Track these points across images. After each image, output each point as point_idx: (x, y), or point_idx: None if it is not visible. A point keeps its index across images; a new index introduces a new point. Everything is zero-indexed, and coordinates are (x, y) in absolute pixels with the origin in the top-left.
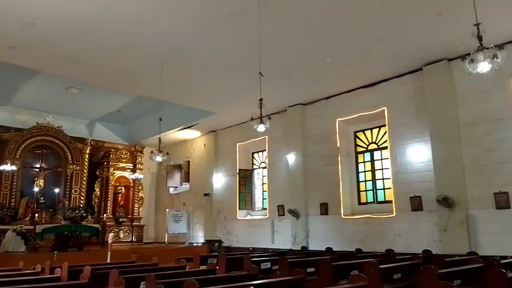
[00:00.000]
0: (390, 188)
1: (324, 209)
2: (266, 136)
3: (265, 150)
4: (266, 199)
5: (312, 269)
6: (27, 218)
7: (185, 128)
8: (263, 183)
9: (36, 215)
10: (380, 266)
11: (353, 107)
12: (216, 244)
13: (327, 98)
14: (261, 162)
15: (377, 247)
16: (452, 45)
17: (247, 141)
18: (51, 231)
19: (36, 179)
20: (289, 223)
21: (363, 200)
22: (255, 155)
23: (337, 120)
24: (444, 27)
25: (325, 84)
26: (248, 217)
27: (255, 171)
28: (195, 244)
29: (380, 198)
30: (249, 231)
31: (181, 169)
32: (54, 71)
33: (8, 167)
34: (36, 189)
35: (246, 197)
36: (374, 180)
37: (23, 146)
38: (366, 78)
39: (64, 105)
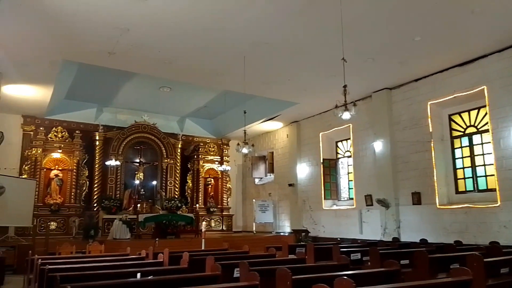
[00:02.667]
0: (493, 175)
1: (417, 198)
2: (350, 124)
3: (349, 139)
4: (352, 188)
5: (406, 262)
6: (131, 208)
7: (268, 120)
8: (348, 172)
9: (138, 205)
10: (485, 260)
11: (447, 88)
12: (303, 233)
13: (416, 80)
14: (346, 151)
15: (479, 239)
16: None
17: (330, 130)
18: (151, 220)
19: (136, 172)
20: (378, 213)
21: (461, 188)
22: (339, 144)
23: (429, 103)
24: None
25: (414, 66)
26: (334, 207)
27: (340, 160)
28: (281, 234)
29: (482, 186)
30: (336, 221)
31: (265, 160)
32: (148, 72)
33: (113, 162)
34: (137, 181)
35: (331, 187)
36: (473, 166)
37: (124, 143)
38: (460, 56)
39: (157, 103)
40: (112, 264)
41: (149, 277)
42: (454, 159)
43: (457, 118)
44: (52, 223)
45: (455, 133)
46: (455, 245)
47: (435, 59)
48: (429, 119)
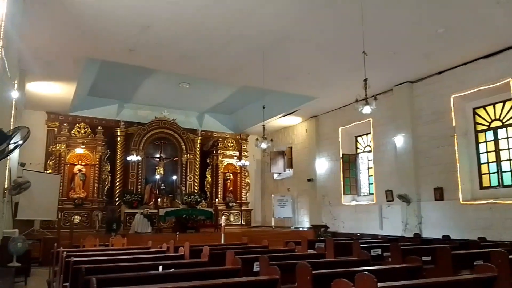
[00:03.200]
0: None
1: (439, 194)
2: (371, 119)
3: (369, 133)
4: (372, 184)
5: (428, 258)
6: (151, 202)
7: (287, 115)
8: (368, 168)
9: (159, 200)
10: (510, 256)
11: (471, 81)
12: (322, 229)
13: (439, 73)
14: (366, 146)
15: (503, 236)
16: None
17: (350, 125)
18: (172, 214)
19: (156, 167)
20: (399, 209)
21: (485, 184)
22: (359, 138)
23: (452, 96)
24: None
25: (437, 58)
26: (354, 202)
27: (359, 155)
28: (300, 229)
29: (507, 181)
30: (355, 217)
31: (284, 155)
32: (168, 69)
33: (134, 157)
34: (157, 176)
35: (350, 182)
36: (498, 161)
37: (145, 139)
38: (485, 48)
39: (177, 99)
40: (135, 257)
41: (171, 270)
42: (478, 153)
43: (481, 112)
44: (76, 216)
45: (479, 127)
46: (479, 242)
47: (459, 51)
48: (453, 113)
